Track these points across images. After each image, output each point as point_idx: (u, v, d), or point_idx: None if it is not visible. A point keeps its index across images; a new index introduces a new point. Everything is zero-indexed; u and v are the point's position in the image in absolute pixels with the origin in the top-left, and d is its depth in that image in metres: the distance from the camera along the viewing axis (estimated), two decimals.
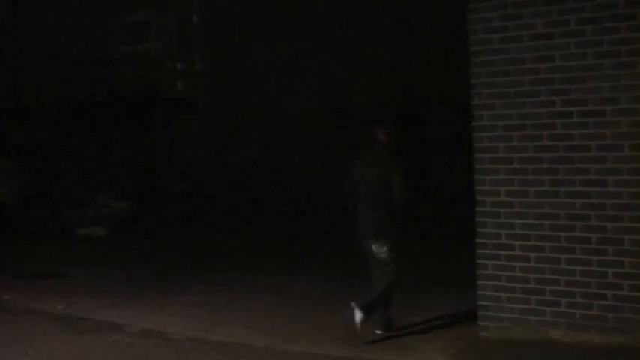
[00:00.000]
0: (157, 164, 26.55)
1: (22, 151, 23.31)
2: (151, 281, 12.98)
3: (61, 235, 18.78)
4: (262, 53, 24.36)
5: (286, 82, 23.72)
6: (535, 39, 8.36)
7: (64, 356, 8.90)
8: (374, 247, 9.11)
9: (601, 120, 8.06)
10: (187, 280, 13.03)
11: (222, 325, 9.92)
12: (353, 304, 8.92)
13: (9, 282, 13.09)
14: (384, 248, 9.05)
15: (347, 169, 9.50)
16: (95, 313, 10.76)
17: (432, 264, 13.59)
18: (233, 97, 25.10)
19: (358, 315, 8.84)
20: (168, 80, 29.20)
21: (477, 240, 8.72)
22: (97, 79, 26.34)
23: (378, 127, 9.23)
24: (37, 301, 11.60)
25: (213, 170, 25.33)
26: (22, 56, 24.98)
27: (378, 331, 9.17)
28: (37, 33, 25.38)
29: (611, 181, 8.04)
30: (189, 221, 21.08)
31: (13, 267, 14.38)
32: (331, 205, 21.62)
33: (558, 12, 8.23)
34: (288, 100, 23.69)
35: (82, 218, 20.41)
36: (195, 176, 26.10)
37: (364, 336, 8.91)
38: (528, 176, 8.43)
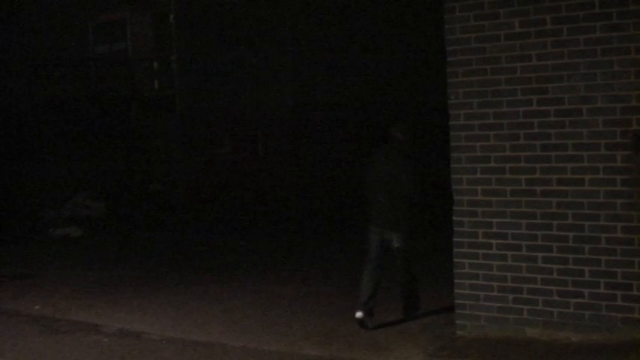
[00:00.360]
0: (134, 164, 26.47)
1: None
2: (128, 281, 12.95)
3: (38, 236, 18.71)
4: (240, 52, 24.31)
5: (264, 80, 23.68)
6: (511, 38, 8.37)
7: (41, 357, 8.85)
8: (394, 237, 9.44)
9: (577, 119, 8.09)
10: (165, 280, 13.01)
11: (199, 325, 9.90)
12: (407, 314, 9.77)
13: None
14: (401, 238, 9.43)
15: (366, 163, 9.88)
16: (72, 313, 10.72)
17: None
18: (210, 96, 25.03)
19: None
20: (145, 79, 29.11)
21: (454, 239, 8.74)
22: (74, 78, 26.24)
23: (394, 126, 9.60)
24: (14, 302, 11.55)
25: (190, 169, 25.27)
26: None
27: (359, 314, 9.31)
28: (14, 32, 25.21)
29: (588, 179, 8.07)
30: (166, 221, 21.05)
31: None
32: (313, 205, 21.77)
33: (535, 11, 8.25)
34: (266, 99, 23.65)
35: (59, 218, 20.35)
36: (173, 175, 26.05)
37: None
38: (505, 175, 8.45)
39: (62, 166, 24.26)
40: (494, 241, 8.52)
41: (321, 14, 23.18)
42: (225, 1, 24.49)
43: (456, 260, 8.74)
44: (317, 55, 23.14)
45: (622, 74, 7.90)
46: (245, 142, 24.29)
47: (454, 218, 8.74)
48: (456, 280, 8.77)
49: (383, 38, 23.66)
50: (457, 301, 8.78)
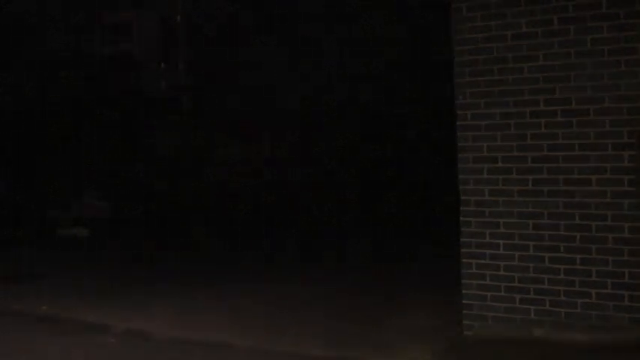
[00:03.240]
0: (141, 164, 26.47)
1: (4, 151, 23.21)
2: (135, 281, 12.94)
3: (45, 236, 18.71)
4: (246, 53, 24.34)
5: (271, 80, 23.71)
6: (519, 38, 8.38)
7: (48, 358, 8.86)
8: None
9: (585, 119, 8.09)
10: (171, 280, 13.00)
11: (206, 326, 9.90)
12: None
13: None
14: None
15: None
16: (79, 313, 10.71)
17: (418, 262, 13.64)
18: (217, 96, 25.06)
19: None
20: (151, 80, 29.13)
21: (462, 239, 8.74)
22: (81, 79, 26.26)
23: None
24: (21, 302, 11.55)
25: (197, 169, 25.30)
26: (3, 55, 24.81)
27: None
28: (20, 33, 25.24)
29: (595, 179, 8.07)
30: (173, 221, 21.05)
31: None
32: (320, 204, 21.77)
33: (542, 11, 8.26)
34: (273, 99, 23.68)
35: (66, 219, 20.36)
36: (179, 175, 26.07)
37: None
38: (512, 175, 8.46)
39: (69, 167, 24.27)
40: (501, 242, 8.52)
41: (330, 13, 23.19)
42: (231, 2, 24.52)
43: (463, 260, 8.74)
44: (326, 54, 23.16)
45: (629, 74, 7.91)
46: (252, 142, 24.33)
47: (461, 218, 8.74)
48: (463, 281, 8.77)
49: (391, 38, 23.64)
50: (464, 301, 8.77)
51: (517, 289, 8.48)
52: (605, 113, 8.01)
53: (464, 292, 8.78)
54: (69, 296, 11.88)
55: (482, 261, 8.62)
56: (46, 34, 25.75)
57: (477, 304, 8.69)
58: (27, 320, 10.53)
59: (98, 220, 20.75)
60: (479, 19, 8.58)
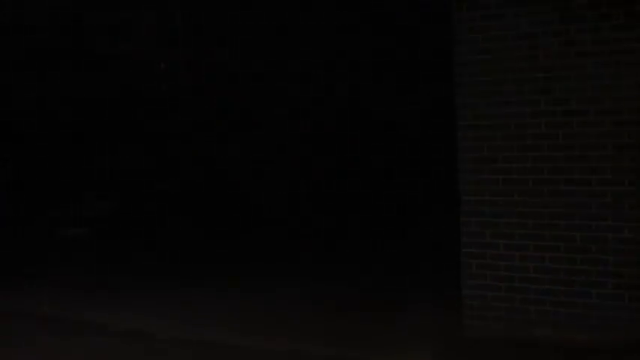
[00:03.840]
0: (140, 164, 26.46)
1: (3, 151, 23.21)
2: (136, 281, 12.94)
3: (45, 236, 18.70)
4: (247, 52, 24.32)
5: (272, 80, 23.69)
6: (519, 38, 8.37)
7: (49, 358, 8.86)
8: None
9: (585, 119, 8.09)
10: (171, 280, 13.00)
11: (206, 325, 9.90)
12: None
13: None
14: None
15: None
16: (80, 313, 10.71)
17: (419, 262, 13.63)
18: (217, 96, 25.04)
19: None
20: (150, 79, 29.10)
21: (462, 239, 8.74)
22: (79, 78, 26.26)
23: None
24: (21, 302, 11.55)
25: (197, 169, 25.29)
26: (1, 53, 24.80)
27: None
28: (18, 31, 25.24)
29: (595, 180, 8.08)
30: (174, 221, 21.03)
31: None
32: (321, 203, 21.74)
33: (542, 12, 8.25)
34: (274, 99, 23.66)
35: (66, 218, 20.34)
36: (179, 175, 26.08)
37: None
38: (512, 175, 8.46)
39: (70, 167, 24.27)
40: (501, 242, 8.52)
41: (329, 13, 23.17)
42: (232, 2, 24.50)
43: (463, 260, 8.74)
44: (327, 54, 23.13)
45: (629, 74, 7.90)
46: (252, 141, 24.31)
47: (461, 218, 8.74)
48: (463, 281, 8.77)
49: (393, 37, 23.60)
50: (465, 302, 8.78)
51: (517, 290, 8.48)
52: (605, 113, 8.01)
53: (464, 292, 8.78)
54: (70, 296, 11.88)
55: (483, 261, 8.62)
56: (46, 34, 25.76)
57: (477, 304, 8.69)
58: (27, 320, 10.52)
59: (99, 220, 20.73)
60: (479, 19, 8.57)
